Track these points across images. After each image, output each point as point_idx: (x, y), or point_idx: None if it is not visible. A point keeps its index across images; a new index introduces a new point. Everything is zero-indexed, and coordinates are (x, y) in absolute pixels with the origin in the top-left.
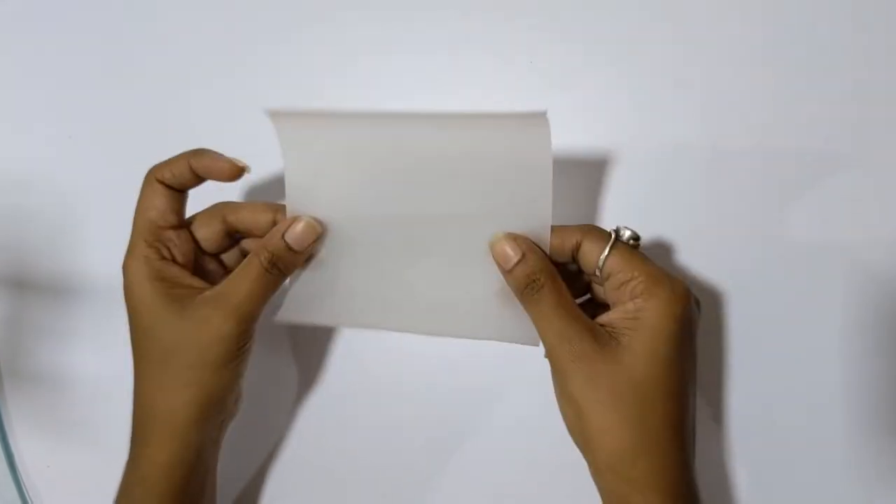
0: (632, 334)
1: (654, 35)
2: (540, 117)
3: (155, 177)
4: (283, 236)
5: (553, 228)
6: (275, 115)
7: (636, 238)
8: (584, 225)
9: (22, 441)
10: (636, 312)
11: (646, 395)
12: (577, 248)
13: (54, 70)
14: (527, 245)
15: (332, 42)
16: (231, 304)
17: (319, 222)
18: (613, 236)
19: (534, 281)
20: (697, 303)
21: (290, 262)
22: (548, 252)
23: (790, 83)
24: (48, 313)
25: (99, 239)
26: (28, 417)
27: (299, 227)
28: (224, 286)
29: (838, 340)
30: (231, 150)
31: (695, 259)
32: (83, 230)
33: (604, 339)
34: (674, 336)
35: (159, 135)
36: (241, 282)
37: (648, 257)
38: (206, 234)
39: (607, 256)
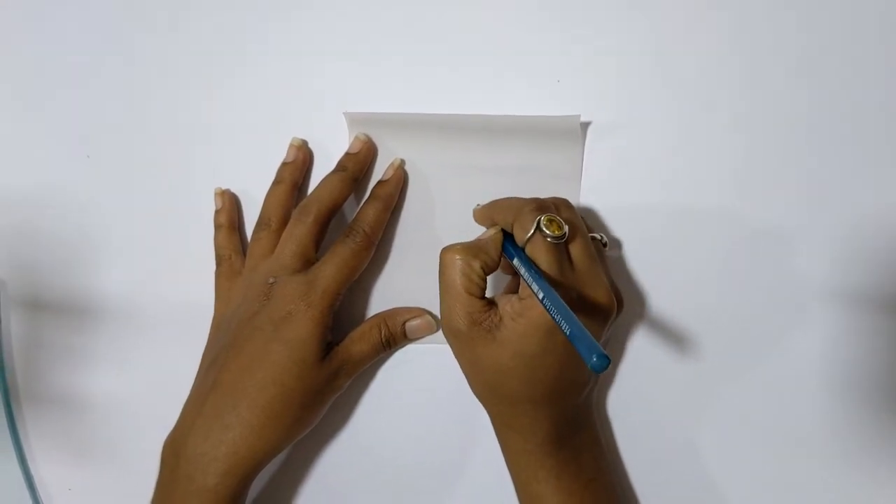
0: (507, 332)
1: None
2: (573, 121)
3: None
4: (405, 323)
5: (498, 202)
6: (349, 117)
7: (559, 237)
8: (528, 203)
9: (41, 463)
10: (519, 312)
11: (500, 380)
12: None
13: (74, 89)
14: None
15: (362, 61)
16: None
17: (437, 320)
18: (534, 227)
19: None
20: (620, 303)
21: (401, 342)
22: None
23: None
24: (66, 333)
25: (116, 258)
26: (47, 439)
27: (417, 322)
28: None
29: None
30: (250, 169)
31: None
32: (101, 249)
33: (481, 328)
34: (541, 345)
35: (178, 154)
36: (363, 346)
37: (569, 260)
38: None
39: (524, 246)
